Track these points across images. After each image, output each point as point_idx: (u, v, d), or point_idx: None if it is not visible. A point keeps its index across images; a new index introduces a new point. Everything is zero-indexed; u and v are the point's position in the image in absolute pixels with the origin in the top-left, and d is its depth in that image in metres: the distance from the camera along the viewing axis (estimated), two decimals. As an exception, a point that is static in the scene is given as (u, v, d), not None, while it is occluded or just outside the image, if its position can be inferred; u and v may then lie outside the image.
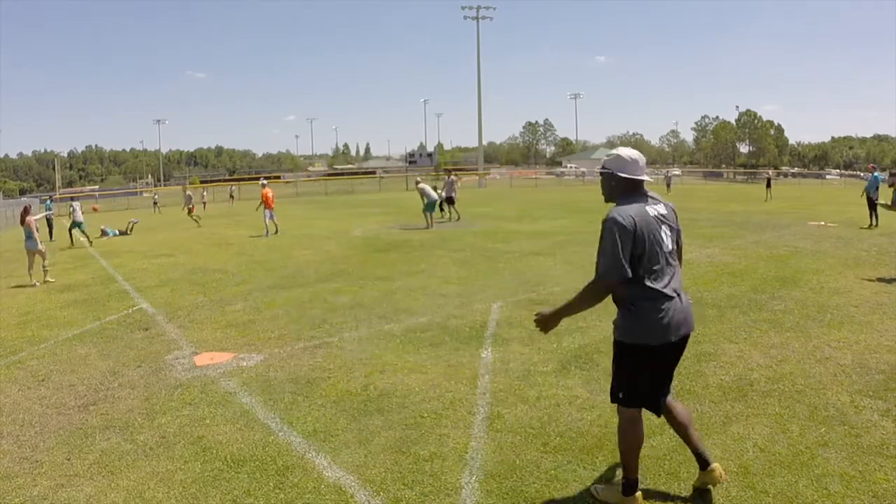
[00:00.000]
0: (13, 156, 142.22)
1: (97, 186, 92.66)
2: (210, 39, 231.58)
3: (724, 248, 11.76)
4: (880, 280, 8.30)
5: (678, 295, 2.97)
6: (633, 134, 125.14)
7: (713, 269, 9.41)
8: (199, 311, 7.81)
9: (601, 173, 3.05)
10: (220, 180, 78.33)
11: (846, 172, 70.24)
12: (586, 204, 25.13)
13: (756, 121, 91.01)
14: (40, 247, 10.79)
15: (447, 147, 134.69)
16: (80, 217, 17.98)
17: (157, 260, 12.98)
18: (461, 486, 3.35)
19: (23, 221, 10.95)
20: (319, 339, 6.26)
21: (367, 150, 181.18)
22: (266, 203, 17.20)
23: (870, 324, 6.23)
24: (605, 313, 6.89)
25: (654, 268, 2.86)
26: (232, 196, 39.16)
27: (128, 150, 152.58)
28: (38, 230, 10.99)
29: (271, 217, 17.11)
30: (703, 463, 3.14)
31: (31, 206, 12.12)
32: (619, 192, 2.97)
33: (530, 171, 78.31)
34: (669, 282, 2.92)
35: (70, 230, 17.82)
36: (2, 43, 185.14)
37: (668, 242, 2.94)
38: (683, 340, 3.04)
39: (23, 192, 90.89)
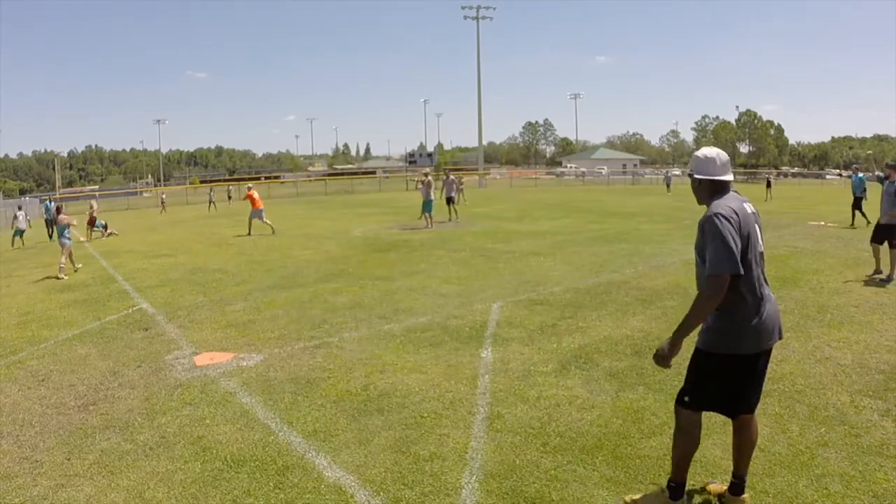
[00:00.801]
0: (13, 156, 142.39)
1: (97, 186, 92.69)
2: (210, 39, 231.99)
3: None
4: (871, 279, 8.31)
5: (770, 298, 2.80)
6: (633, 134, 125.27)
7: (713, 269, 9.39)
8: (199, 311, 7.81)
9: (689, 175, 2.97)
10: (219, 180, 78.32)
11: (846, 172, 70.15)
12: (586, 204, 25.14)
13: (756, 121, 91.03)
14: (70, 243, 11.84)
15: (447, 147, 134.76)
16: (23, 225, 18.76)
17: (157, 260, 12.98)
18: (461, 486, 3.35)
19: (56, 220, 12.35)
20: (319, 339, 6.26)
21: (367, 150, 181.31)
22: (252, 204, 17.63)
23: (870, 324, 6.23)
24: (605, 313, 6.91)
25: (752, 268, 2.68)
26: (230, 197, 39.01)
27: (128, 150, 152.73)
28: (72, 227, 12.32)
29: (261, 217, 17.43)
30: (736, 488, 3.01)
31: (63, 206, 13.62)
32: (709, 194, 2.87)
33: (530, 171, 78.32)
34: (764, 283, 2.77)
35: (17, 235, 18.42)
36: (2, 43, 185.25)
37: (761, 241, 2.82)
38: (771, 346, 2.86)
39: (23, 192, 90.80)
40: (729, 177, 2.85)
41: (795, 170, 76.99)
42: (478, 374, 5.08)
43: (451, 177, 20.91)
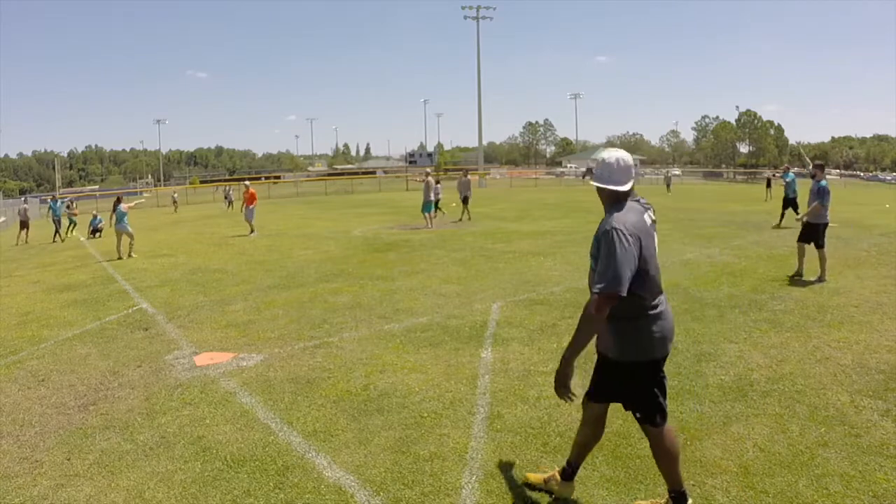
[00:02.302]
0: (13, 156, 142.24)
1: (97, 186, 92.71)
2: (211, 39, 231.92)
3: (724, 248, 11.75)
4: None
5: (667, 307, 2.87)
6: (633, 134, 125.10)
7: (713, 269, 9.41)
8: (199, 311, 7.81)
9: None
10: (219, 180, 78.29)
11: (846, 172, 70.15)
12: (586, 204, 25.12)
13: (756, 121, 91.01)
14: (129, 229, 13.75)
15: (447, 147, 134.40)
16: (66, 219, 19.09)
17: (157, 260, 12.98)
18: (461, 486, 3.35)
19: (115, 209, 14.08)
20: (319, 339, 6.26)
21: (367, 150, 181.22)
22: (247, 201, 17.59)
23: (870, 324, 6.23)
24: (605, 313, 6.90)
25: (652, 277, 2.74)
26: (227, 198, 38.24)
27: (128, 150, 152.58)
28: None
29: (250, 215, 17.42)
30: (680, 498, 2.97)
31: (122, 196, 15.32)
32: (609, 202, 2.78)
33: (530, 171, 78.29)
34: (660, 290, 2.83)
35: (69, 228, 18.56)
36: (2, 43, 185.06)
37: (656, 249, 2.83)
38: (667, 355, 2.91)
39: (23, 192, 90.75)
40: (627, 186, 2.74)
41: (795, 170, 76.86)
42: (478, 374, 5.08)
43: (467, 177, 20.87)
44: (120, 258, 13.29)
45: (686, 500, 2.97)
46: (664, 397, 2.86)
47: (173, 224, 24.08)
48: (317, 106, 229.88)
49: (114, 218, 14.00)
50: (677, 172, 57.16)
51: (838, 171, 72.24)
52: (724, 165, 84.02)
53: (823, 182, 8.80)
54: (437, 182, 19.75)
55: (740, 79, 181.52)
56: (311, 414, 4.39)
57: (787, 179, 16.50)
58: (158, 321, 7.40)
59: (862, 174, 70.39)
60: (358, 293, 8.46)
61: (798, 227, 9.17)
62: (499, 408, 4.38)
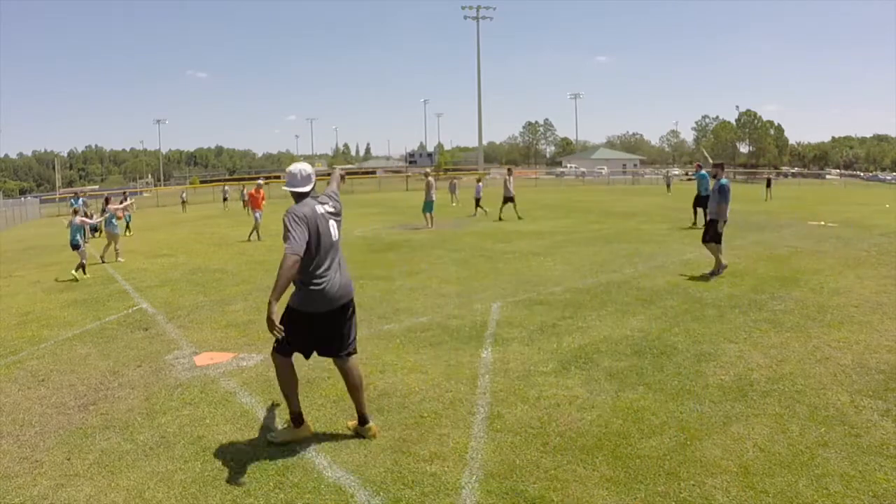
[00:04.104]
0: (13, 156, 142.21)
1: (97, 186, 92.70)
2: (211, 39, 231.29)
3: (724, 248, 11.74)
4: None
5: (340, 273, 3.78)
6: (633, 134, 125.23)
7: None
8: (199, 311, 7.81)
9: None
10: (218, 180, 78.30)
11: (846, 172, 70.17)
12: (586, 204, 25.13)
13: (756, 121, 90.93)
14: (117, 231, 13.29)
15: (447, 147, 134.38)
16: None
17: (157, 260, 12.98)
18: (461, 486, 3.35)
19: (103, 210, 13.78)
20: (319, 339, 6.25)
21: (367, 150, 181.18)
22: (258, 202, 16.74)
23: (870, 324, 6.23)
24: (605, 313, 6.91)
25: (322, 252, 3.65)
26: (226, 199, 37.54)
27: (128, 150, 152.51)
28: (118, 217, 13.74)
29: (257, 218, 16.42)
30: (363, 420, 3.94)
31: (111, 196, 15.16)
32: (295, 200, 3.80)
33: (530, 171, 78.25)
34: (331, 264, 3.72)
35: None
36: (2, 43, 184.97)
37: (335, 234, 3.77)
38: (346, 307, 3.84)
39: (23, 192, 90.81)
40: (306, 189, 3.79)
41: (795, 170, 76.92)
42: (478, 374, 5.08)
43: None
44: (102, 261, 12.70)
45: (367, 421, 3.95)
46: (298, 342, 3.78)
47: (173, 224, 24.08)
48: (317, 106, 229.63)
49: (103, 220, 13.50)
50: (677, 172, 57.10)
51: (838, 171, 72.25)
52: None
53: (724, 181, 9.07)
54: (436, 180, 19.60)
55: (740, 79, 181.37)
56: (311, 414, 4.39)
57: (698, 178, 16.34)
58: (158, 321, 7.40)
59: (862, 174, 70.38)
60: (358, 293, 8.43)
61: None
62: (499, 408, 4.38)
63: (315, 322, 3.72)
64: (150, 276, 10.73)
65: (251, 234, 16.28)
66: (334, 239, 3.76)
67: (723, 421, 4.07)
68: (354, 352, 3.94)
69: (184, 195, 36.33)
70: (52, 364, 5.87)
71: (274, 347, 3.79)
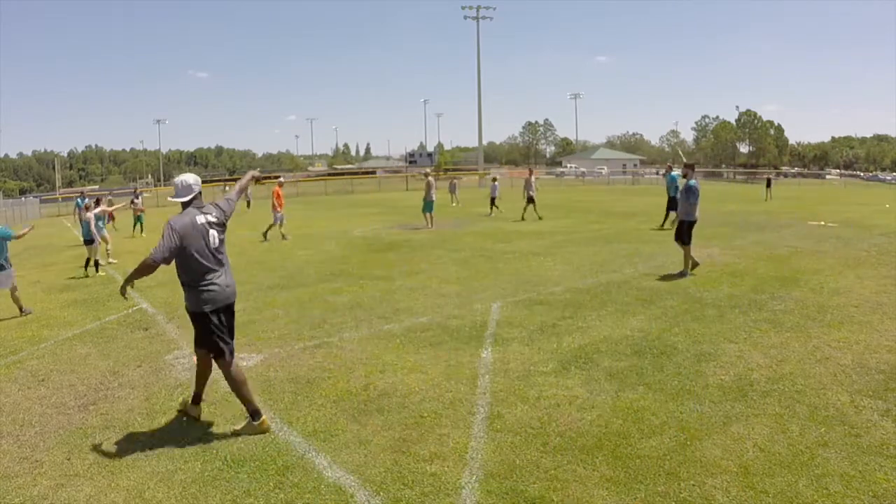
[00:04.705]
0: (13, 156, 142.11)
1: (97, 186, 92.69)
2: (211, 39, 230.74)
3: (724, 248, 11.76)
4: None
5: (224, 276, 4.13)
6: (633, 134, 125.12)
7: (713, 269, 9.41)
8: (199, 311, 7.80)
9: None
10: (218, 180, 78.32)
11: (846, 172, 70.13)
12: (586, 204, 25.13)
13: (756, 121, 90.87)
14: (104, 234, 12.82)
15: (447, 147, 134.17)
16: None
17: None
18: (461, 486, 3.35)
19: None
20: (319, 339, 6.26)
21: (367, 150, 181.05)
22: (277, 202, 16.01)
23: (870, 324, 6.23)
24: (605, 313, 6.92)
25: (202, 259, 4.01)
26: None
27: (128, 150, 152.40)
28: (105, 221, 13.42)
29: (280, 220, 15.75)
30: (255, 414, 4.09)
31: (101, 197, 14.78)
32: (181, 208, 4.13)
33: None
34: (215, 267, 4.07)
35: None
36: (2, 43, 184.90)
37: (215, 240, 4.09)
38: (229, 308, 4.17)
39: (23, 192, 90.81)
40: (187, 198, 4.11)
41: (795, 170, 76.88)
42: (478, 374, 5.09)
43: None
44: (96, 266, 11.79)
45: (260, 416, 4.09)
46: (224, 341, 4.11)
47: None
48: (317, 106, 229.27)
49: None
50: (677, 173, 57.00)
51: (838, 171, 72.21)
52: (723, 165, 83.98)
53: (692, 181, 9.17)
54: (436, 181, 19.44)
55: (740, 79, 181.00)
56: (311, 414, 4.39)
57: (668, 179, 16.19)
58: (158, 321, 7.40)
59: (862, 174, 70.32)
60: (358, 293, 8.46)
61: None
62: (499, 408, 4.38)
63: (218, 318, 4.10)
64: (149, 276, 10.70)
65: (280, 234, 15.68)
66: (214, 246, 4.08)
67: (723, 421, 4.07)
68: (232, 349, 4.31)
69: None
70: (52, 364, 5.87)
71: (196, 343, 4.24)
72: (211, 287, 4.04)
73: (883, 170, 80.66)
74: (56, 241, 19.24)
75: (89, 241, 11.38)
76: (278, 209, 15.58)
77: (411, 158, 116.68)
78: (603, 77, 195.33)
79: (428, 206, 17.48)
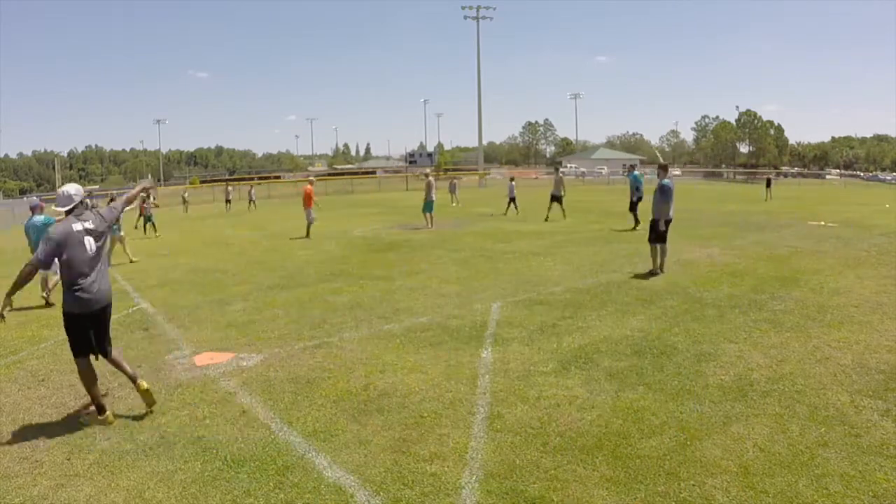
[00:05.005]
0: (13, 156, 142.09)
1: (97, 186, 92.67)
2: (211, 39, 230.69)
3: (724, 248, 11.76)
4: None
5: (99, 281, 4.40)
6: (633, 134, 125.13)
7: (713, 269, 9.41)
8: (199, 311, 7.81)
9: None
10: (218, 180, 78.28)
11: (846, 172, 70.13)
12: (586, 204, 25.10)
13: (756, 121, 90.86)
14: (121, 234, 12.91)
15: (447, 147, 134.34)
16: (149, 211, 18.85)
17: (157, 260, 12.98)
18: (461, 486, 3.35)
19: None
20: (319, 339, 6.26)
21: (367, 150, 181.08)
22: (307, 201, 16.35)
23: (870, 324, 6.23)
24: (605, 313, 6.91)
25: (75, 265, 4.24)
26: (228, 200, 37.06)
27: (128, 150, 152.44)
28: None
29: (310, 217, 16.16)
30: (133, 379, 4.48)
31: (115, 195, 14.47)
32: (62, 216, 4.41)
33: (530, 171, 78.22)
34: (89, 272, 4.33)
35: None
36: (2, 43, 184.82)
37: (91, 248, 4.33)
38: (103, 310, 4.51)
39: (23, 192, 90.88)
40: (67, 208, 4.37)
41: (795, 170, 76.87)
42: (478, 374, 5.09)
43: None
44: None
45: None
46: (84, 343, 4.42)
47: (173, 224, 24.07)
48: (317, 106, 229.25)
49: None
50: (677, 173, 57.10)
51: (838, 171, 72.20)
52: (723, 165, 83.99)
53: (665, 181, 9.35)
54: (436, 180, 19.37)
55: (740, 79, 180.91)
56: (311, 414, 4.39)
57: (631, 179, 16.05)
58: (158, 321, 7.40)
59: (862, 174, 70.32)
60: (358, 293, 8.46)
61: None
62: (499, 408, 4.38)
63: (85, 323, 4.37)
64: (149, 276, 10.73)
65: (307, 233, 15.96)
66: (90, 252, 4.33)
67: (723, 421, 4.07)
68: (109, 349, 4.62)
69: (185, 195, 36.06)
70: (52, 364, 5.87)
71: (72, 352, 4.45)
72: (80, 292, 4.29)
73: (883, 170, 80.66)
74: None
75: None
76: (309, 207, 16.27)
77: (411, 158, 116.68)
78: (603, 77, 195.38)
79: (428, 206, 17.47)
